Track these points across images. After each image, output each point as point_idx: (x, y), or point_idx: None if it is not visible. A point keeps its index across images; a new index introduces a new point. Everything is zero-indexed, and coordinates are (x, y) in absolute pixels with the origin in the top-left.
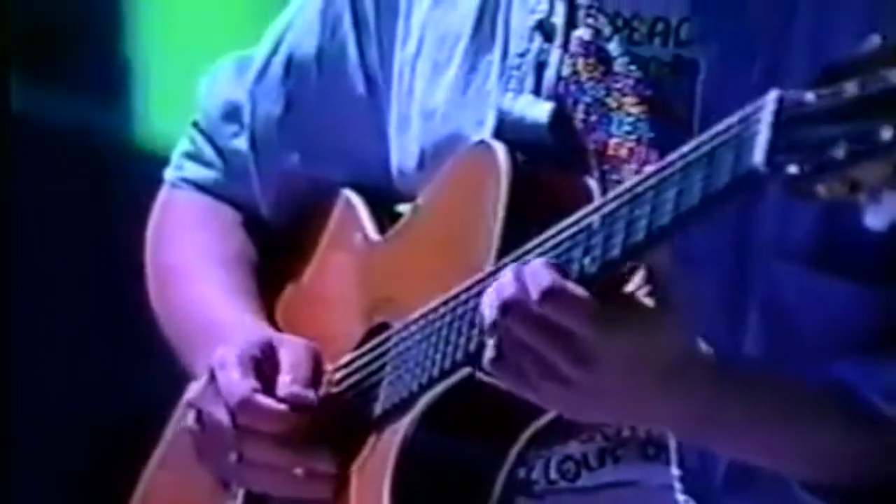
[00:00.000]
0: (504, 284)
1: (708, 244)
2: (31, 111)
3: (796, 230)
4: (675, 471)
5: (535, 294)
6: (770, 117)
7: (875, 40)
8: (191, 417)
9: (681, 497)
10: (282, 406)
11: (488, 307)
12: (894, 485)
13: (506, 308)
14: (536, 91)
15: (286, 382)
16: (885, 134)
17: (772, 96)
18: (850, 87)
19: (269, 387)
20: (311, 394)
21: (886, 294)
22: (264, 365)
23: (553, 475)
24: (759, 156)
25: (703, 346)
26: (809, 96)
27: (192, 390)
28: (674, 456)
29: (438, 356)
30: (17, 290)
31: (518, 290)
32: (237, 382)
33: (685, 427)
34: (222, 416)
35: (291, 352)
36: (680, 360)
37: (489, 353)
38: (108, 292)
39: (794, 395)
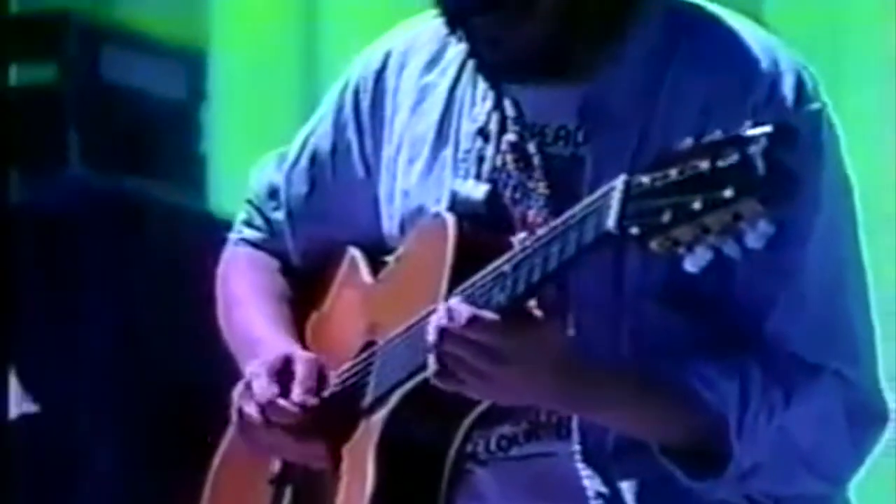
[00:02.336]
0: (438, 316)
1: (593, 289)
2: (128, 194)
3: (651, 280)
4: (575, 446)
5: (461, 321)
6: (619, 194)
7: (689, 141)
8: (234, 412)
9: (580, 465)
10: (294, 407)
11: (430, 334)
12: (712, 447)
13: (440, 333)
14: (478, 177)
15: (297, 391)
16: (696, 205)
17: (620, 179)
18: (673, 173)
19: (287, 390)
20: (313, 399)
21: (708, 323)
22: (284, 374)
23: (492, 448)
24: (611, 221)
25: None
26: (645, 179)
27: (236, 393)
28: (575, 435)
29: (405, 365)
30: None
31: (447, 319)
32: (265, 388)
33: (571, 403)
34: (254, 411)
35: (303, 365)
36: (565, 355)
37: (431, 368)
38: (196, 330)
39: (647, 384)
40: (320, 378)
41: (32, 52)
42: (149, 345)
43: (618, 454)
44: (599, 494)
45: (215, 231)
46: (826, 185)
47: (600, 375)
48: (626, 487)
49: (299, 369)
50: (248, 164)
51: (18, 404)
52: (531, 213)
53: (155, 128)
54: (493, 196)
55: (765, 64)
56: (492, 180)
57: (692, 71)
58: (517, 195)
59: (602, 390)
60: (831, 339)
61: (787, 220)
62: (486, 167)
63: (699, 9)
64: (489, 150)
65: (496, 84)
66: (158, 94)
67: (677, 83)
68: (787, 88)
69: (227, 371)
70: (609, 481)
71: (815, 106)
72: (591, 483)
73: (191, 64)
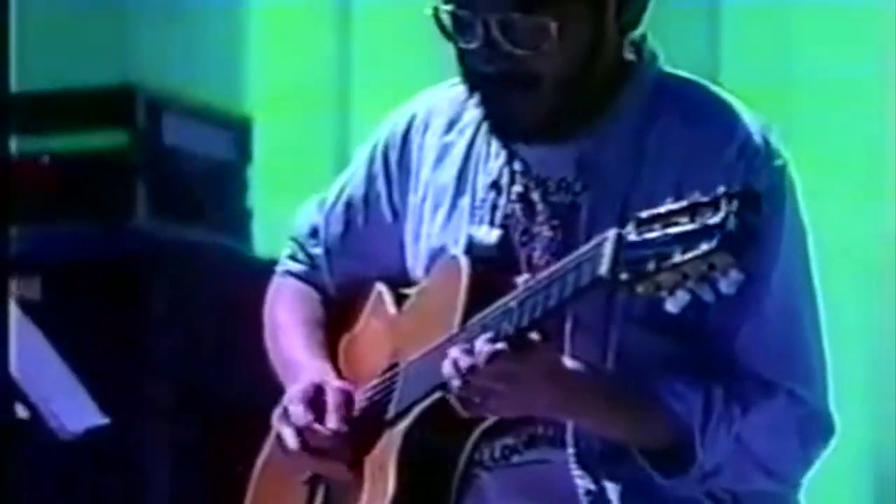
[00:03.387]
0: (455, 349)
1: (589, 316)
2: (186, 240)
3: (636, 311)
4: (570, 449)
5: (482, 359)
6: (611, 245)
7: (671, 200)
8: (274, 432)
9: (573, 466)
10: (328, 432)
11: (448, 367)
12: (679, 450)
13: (456, 366)
14: (491, 223)
15: (332, 420)
16: (676, 256)
17: (612, 232)
18: (657, 228)
19: (321, 415)
20: (345, 427)
21: (682, 346)
22: (316, 401)
23: (496, 456)
24: (604, 268)
25: (575, 366)
26: (633, 234)
27: (275, 416)
28: (570, 440)
29: (424, 385)
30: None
31: (464, 351)
32: (301, 415)
33: (564, 411)
34: (291, 434)
35: (334, 394)
36: (560, 372)
37: (454, 391)
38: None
39: (626, 394)
40: (348, 403)
41: (105, 120)
42: (202, 363)
43: (604, 460)
44: (589, 492)
45: (257, 269)
46: (786, 231)
47: (588, 388)
48: (611, 487)
49: (331, 399)
50: (286, 215)
51: (82, 418)
52: (536, 255)
53: (209, 184)
54: (505, 240)
55: (737, 125)
56: (503, 226)
57: (675, 130)
58: (525, 238)
59: (590, 400)
60: (787, 363)
61: (757, 263)
62: (499, 215)
63: (681, 78)
64: (501, 200)
65: (507, 143)
66: (211, 156)
67: (662, 141)
68: (756, 147)
69: (266, 387)
70: (597, 480)
71: (778, 162)
72: (582, 482)
73: (238, 130)
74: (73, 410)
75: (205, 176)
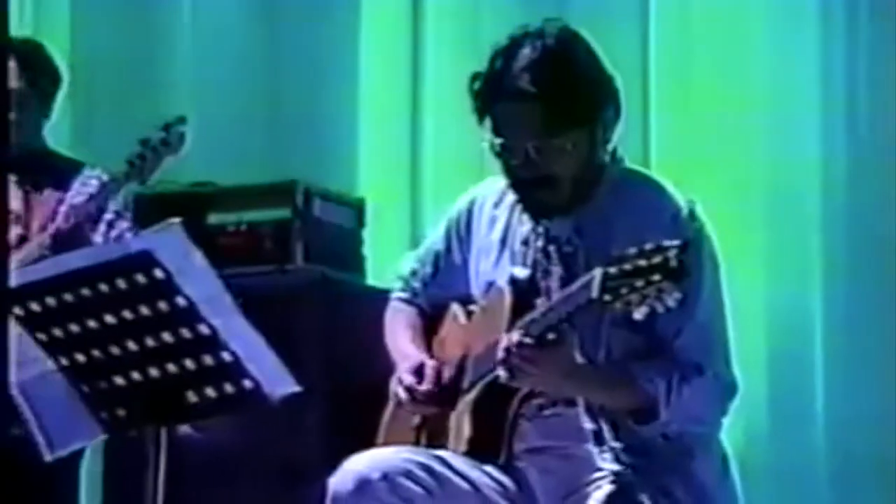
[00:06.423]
0: (503, 344)
1: (587, 321)
2: (328, 278)
3: (618, 319)
4: (581, 404)
5: (515, 343)
6: (599, 278)
7: (633, 249)
8: (393, 392)
9: (581, 411)
10: (425, 389)
11: (499, 353)
12: (648, 414)
13: (507, 352)
14: (524, 265)
15: (427, 383)
16: (639, 284)
17: (598, 270)
18: (627, 266)
19: (420, 379)
20: (435, 388)
21: (649, 341)
22: (419, 373)
23: (534, 411)
24: (595, 292)
25: (580, 358)
26: (613, 270)
27: (393, 382)
28: (581, 403)
29: (483, 368)
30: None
31: (508, 345)
32: (409, 380)
33: (572, 388)
34: (401, 390)
35: (430, 369)
36: (571, 362)
37: (501, 373)
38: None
39: (614, 377)
40: (438, 375)
41: (277, 202)
42: (340, 358)
43: (601, 410)
44: (592, 431)
45: (372, 298)
46: (706, 266)
47: (587, 373)
48: (606, 428)
49: (428, 371)
50: (386, 262)
51: (284, 386)
52: (552, 285)
53: (340, 242)
54: (532, 276)
55: (671, 202)
56: (532, 267)
57: (633, 202)
58: (544, 275)
59: (587, 382)
60: (711, 352)
61: (689, 287)
62: (529, 260)
63: (636, 171)
64: (530, 252)
65: (535, 219)
66: (341, 224)
67: (625, 212)
68: (682, 215)
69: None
70: (596, 421)
71: (699, 224)
72: (588, 424)
73: (357, 208)
74: (278, 381)
75: (337, 236)
